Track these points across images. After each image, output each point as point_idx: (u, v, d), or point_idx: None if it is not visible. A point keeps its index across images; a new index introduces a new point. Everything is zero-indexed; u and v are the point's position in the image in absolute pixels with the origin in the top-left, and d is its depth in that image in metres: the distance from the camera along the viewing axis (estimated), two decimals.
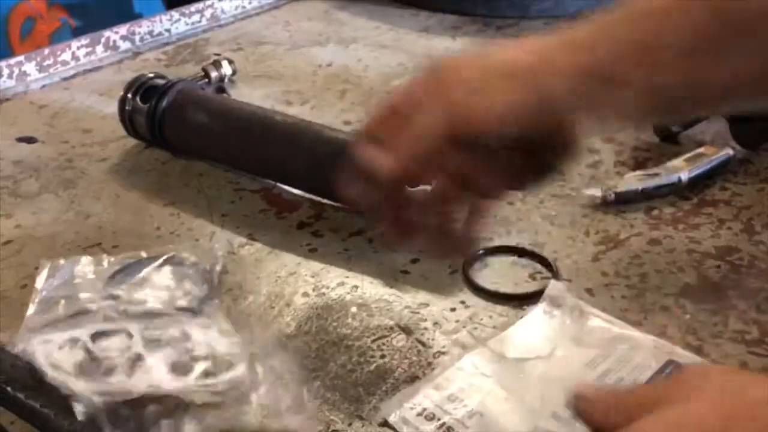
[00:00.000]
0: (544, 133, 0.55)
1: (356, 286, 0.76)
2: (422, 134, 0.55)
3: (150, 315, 0.68)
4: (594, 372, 0.63)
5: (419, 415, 0.59)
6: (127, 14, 1.36)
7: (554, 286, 0.72)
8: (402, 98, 0.58)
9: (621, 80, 0.53)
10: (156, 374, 0.61)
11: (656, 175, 0.89)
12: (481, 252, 0.80)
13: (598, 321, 0.69)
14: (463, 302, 0.74)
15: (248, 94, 1.16)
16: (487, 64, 0.56)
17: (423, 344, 0.69)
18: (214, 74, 1.14)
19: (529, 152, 0.57)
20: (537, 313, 0.70)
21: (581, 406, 0.46)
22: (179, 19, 1.40)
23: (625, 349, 0.65)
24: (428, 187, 0.61)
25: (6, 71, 1.18)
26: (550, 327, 0.68)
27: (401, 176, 0.57)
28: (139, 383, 0.59)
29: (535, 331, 0.68)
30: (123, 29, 1.33)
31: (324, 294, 0.75)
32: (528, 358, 0.65)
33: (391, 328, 0.70)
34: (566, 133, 0.56)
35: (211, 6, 1.45)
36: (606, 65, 0.53)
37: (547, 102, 0.53)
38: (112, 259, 0.75)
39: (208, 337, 0.66)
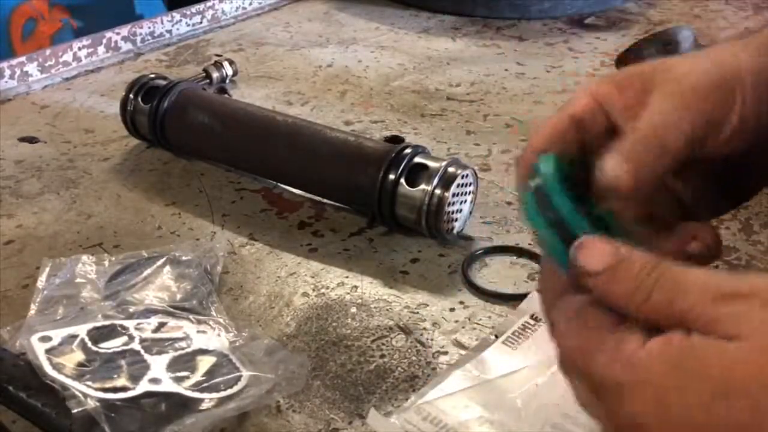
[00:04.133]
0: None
1: (356, 286, 0.76)
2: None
3: (151, 314, 0.68)
4: None
5: None
6: (128, 15, 1.36)
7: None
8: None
9: None
10: (156, 374, 0.61)
11: None
12: (480, 252, 0.80)
13: None
14: (462, 302, 0.74)
15: (249, 95, 1.16)
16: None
17: (422, 344, 0.69)
18: (215, 75, 1.15)
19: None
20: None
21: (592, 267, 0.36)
22: (180, 20, 1.41)
23: None
24: None
25: (8, 72, 1.19)
26: (531, 345, 0.65)
27: None
28: (139, 383, 0.60)
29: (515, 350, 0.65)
30: (124, 30, 1.33)
31: (324, 294, 0.75)
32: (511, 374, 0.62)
33: (391, 328, 0.71)
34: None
35: (212, 7, 1.45)
36: None
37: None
38: (113, 258, 0.76)
39: (209, 336, 0.66)
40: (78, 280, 0.72)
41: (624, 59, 1.01)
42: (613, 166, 0.40)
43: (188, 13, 1.42)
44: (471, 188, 0.83)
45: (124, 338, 0.64)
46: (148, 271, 0.73)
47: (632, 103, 0.42)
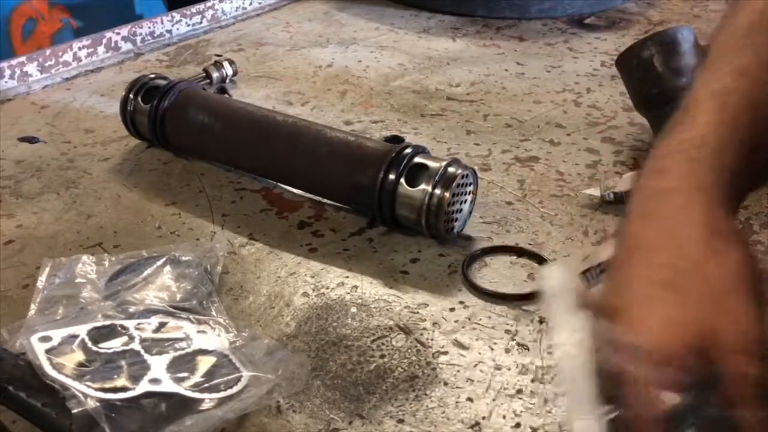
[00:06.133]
0: None
1: (356, 286, 0.76)
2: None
3: (151, 315, 0.68)
4: None
5: None
6: (128, 15, 1.36)
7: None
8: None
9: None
10: (156, 374, 0.61)
11: None
12: (480, 252, 0.80)
13: None
14: (462, 302, 0.74)
15: (249, 95, 1.16)
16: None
17: (422, 344, 0.69)
18: (215, 75, 1.15)
19: None
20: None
21: None
22: (180, 20, 1.41)
23: None
24: None
25: (8, 72, 1.19)
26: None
27: None
28: (139, 383, 0.60)
29: None
30: (124, 30, 1.33)
31: (324, 294, 0.75)
32: None
33: (391, 328, 0.71)
34: None
35: (212, 7, 1.45)
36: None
37: None
38: (113, 258, 0.76)
39: (209, 337, 0.66)
40: (78, 280, 0.72)
41: (624, 59, 1.01)
42: None
43: (188, 13, 1.42)
44: (471, 188, 0.83)
45: (124, 338, 0.64)
46: (148, 271, 0.73)
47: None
